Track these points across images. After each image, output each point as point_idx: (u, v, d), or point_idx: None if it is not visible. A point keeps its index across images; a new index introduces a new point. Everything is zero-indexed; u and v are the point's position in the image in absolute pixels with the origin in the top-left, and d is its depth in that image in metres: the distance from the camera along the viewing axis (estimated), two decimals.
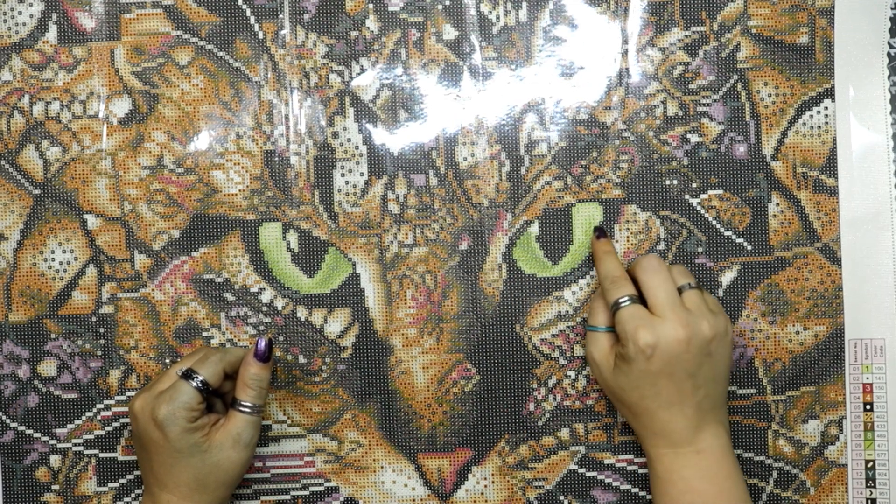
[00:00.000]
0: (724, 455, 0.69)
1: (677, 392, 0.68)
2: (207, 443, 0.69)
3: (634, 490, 0.76)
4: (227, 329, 0.75)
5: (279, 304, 0.75)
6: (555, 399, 0.76)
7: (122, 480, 0.76)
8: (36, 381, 0.75)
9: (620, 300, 0.70)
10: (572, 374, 0.76)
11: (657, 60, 0.75)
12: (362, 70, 0.75)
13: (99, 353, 0.75)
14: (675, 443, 0.69)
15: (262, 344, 0.70)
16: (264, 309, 0.75)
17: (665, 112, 0.75)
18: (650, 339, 0.68)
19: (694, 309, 0.69)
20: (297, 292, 0.75)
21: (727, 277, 0.75)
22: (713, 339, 0.69)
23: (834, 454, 0.76)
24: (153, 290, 0.75)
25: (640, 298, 0.70)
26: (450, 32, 0.75)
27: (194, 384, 0.69)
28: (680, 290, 0.70)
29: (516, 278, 0.75)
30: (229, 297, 0.75)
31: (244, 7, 0.75)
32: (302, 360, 0.75)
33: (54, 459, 0.75)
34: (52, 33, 0.75)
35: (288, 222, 0.75)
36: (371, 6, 0.75)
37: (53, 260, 0.75)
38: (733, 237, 0.75)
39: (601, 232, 0.74)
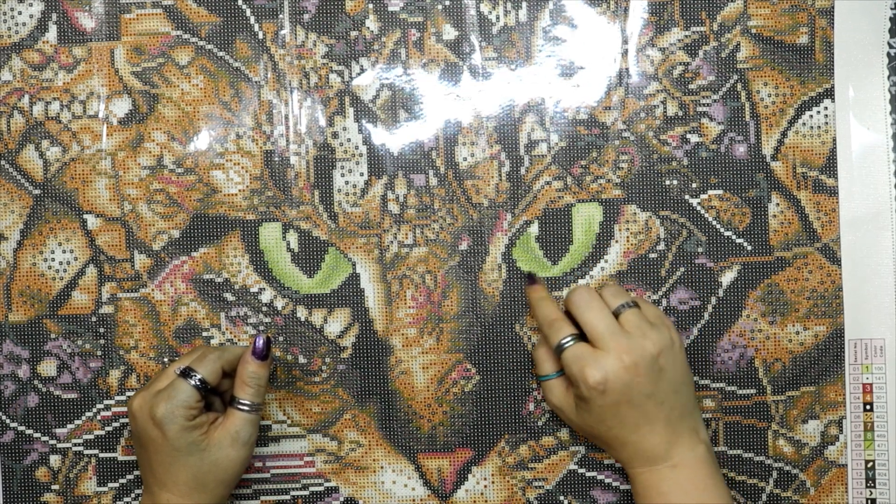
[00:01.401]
0: (700, 466, 0.69)
1: (641, 415, 0.68)
2: (206, 441, 0.69)
3: None
4: (227, 329, 0.75)
5: (279, 304, 0.75)
6: None
7: (122, 480, 0.76)
8: (36, 381, 0.75)
9: (563, 342, 0.70)
10: None
11: (657, 60, 0.75)
12: (362, 70, 0.75)
13: (99, 353, 0.75)
14: (650, 460, 0.69)
15: (260, 342, 0.70)
16: (264, 309, 0.75)
17: (665, 112, 0.75)
18: (598, 375, 0.68)
19: (633, 330, 0.69)
20: (297, 292, 0.75)
21: (727, 277, 0.75)
22: (660, 355, 0.68)
23: (834, 454, 0.76)
24: (153, 290, 0.75)
25: (581, 335, 0.70)
26: (450, 32, 0.75)
27: (192, 382, 0.69)
28: (617, 313, 0.70)
29: (516, 278, 0.75)
30: (229, 297, 0.75)
31: (244, 7, 0.75)
32: (302, 360, 0.75)
33: (54, 459, 0.75)
34: (52, 33, 0.75)
35: (288, 222, 0.75)
36: (371, 6, 0.75)
37: (53, 260, 0.75)
38: (733, 237, 0.75)
39: (532, 279, 0.74)
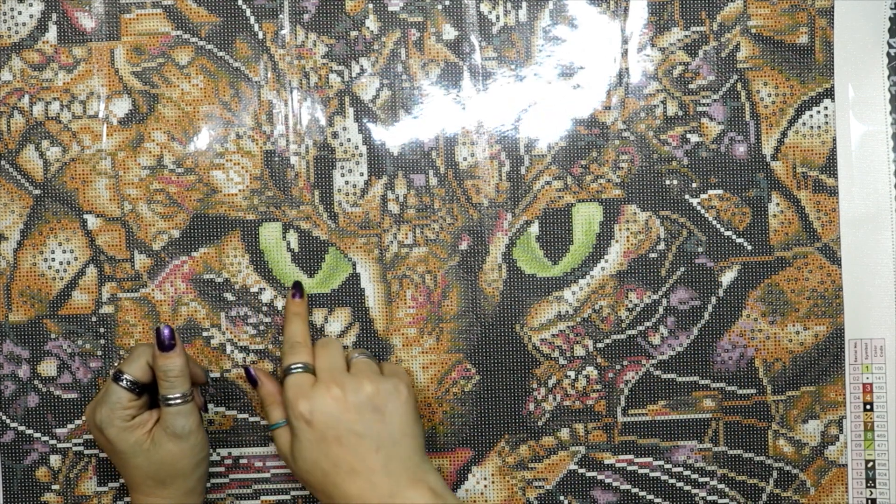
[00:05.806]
0: None
1: (355, 458, 0.66)
2: (149, 440, 0.69)
3: (634, 490, 0.76)
4: (227, 329, 0.75)
5: (279, 304, 0.75)
6: (555, 399, 0.76)
7: (122, 480, 0.76)
8: (36, 381, 0.75)
9: (293, 366, 0.69)
10: (572, 374, 0.76)
11: (657, 60, 0.75)
12: (362, 70, 0.75)
13: (99, 353, 0.75)
14: None
15: (166, 332, 0.69)
16: (264, 309, 0.75)
17: (665, 112, 0.75)
18: (306, 404, 0.67)
19: (357, 372, 0.69)
20: None
21: (727, 277, 0.75)
22: (377, 396, 0.67)
23: (834, 454, 0.76)
24: (153, 290, 0.75)
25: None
26: (450, 32, 0.75)
27: (122, 384, 0.69)
28: (350, 359, 0.70)
29: (516, 278, 0.75)
30: (229, 297, 0.75)
31: (244, 7, 0.75)
32: None
33: (54, 459, 0.75)
34: (51, 33, 0.75)
35: (288, 222, 0.75)
36: (371, 6, 0.75)
37: (53, 260, 0.75)
38: (733, 237, 0.75)
39: (298, 290, 0.73)
